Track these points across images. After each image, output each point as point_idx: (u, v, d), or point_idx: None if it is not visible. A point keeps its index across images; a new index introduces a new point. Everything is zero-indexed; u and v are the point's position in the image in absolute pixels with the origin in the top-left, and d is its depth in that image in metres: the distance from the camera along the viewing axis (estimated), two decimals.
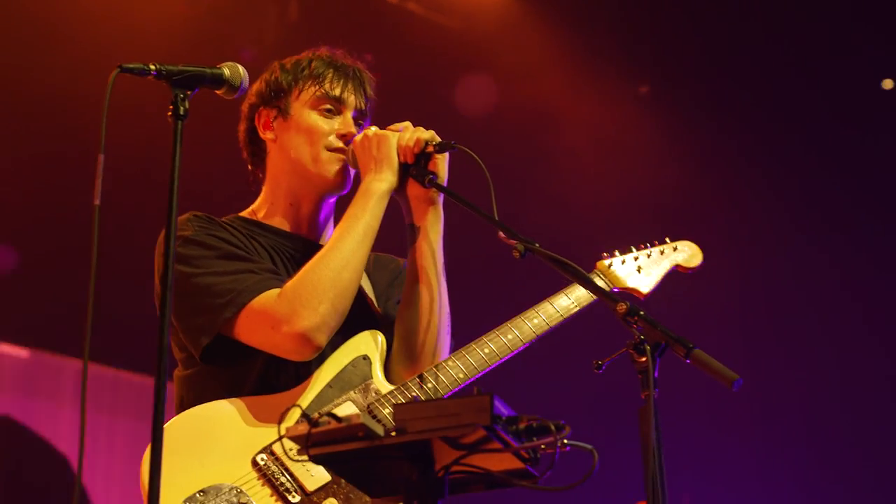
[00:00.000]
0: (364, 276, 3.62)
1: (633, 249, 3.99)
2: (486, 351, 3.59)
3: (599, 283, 3.84)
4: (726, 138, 8.67)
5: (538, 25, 8.45)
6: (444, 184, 3.61)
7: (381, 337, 3.59)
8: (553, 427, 2.61)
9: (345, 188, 3.70)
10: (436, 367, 3.55)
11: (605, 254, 3.97)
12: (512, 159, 8.20)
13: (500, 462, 2.72)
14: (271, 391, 3.41)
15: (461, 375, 3.53)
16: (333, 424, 2.63)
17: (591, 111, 8.74)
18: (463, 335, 3.72)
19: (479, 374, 3.57)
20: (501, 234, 3.37)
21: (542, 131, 8.55)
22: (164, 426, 3.14)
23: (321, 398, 3.42)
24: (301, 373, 3.44)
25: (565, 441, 2.63)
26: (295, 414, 2.90)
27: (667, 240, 4.08)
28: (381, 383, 3.51)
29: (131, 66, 2.92)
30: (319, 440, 2.63)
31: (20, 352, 8.83)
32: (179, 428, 3.33)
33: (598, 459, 2.66)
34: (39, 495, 8.67)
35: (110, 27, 7.34)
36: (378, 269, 3.85)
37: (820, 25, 8.34)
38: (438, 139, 3.63)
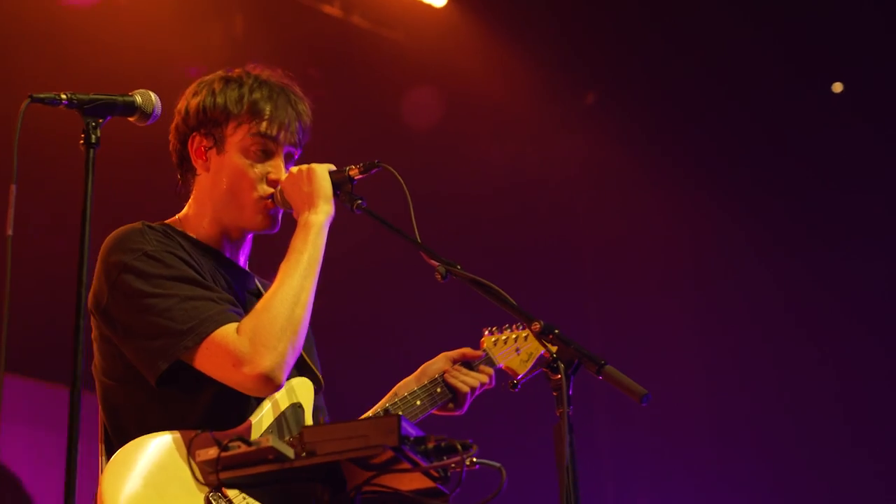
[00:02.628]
0: None
1: (512, 329, 4.12)
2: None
3: (487, 362, 4.02)
4: (669, 149, 8.72)
5: (482, 35, 8.48)
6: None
7: (310, 384, 3.56)
8: (460, 446, 2.66)
9: (274, 229, 3.66)
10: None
11: (486, 330, 4.12)
12: (455, 172, 8.27)
13: (411, 481, 2.77)
14: (216, 425, 3.28)
15: None
16: (243, 448, 2.66)
17: (536, 121, 8.79)
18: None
19: None
20: (424, 255, 3.40)
21: (487, 143, 8.59)
22: (127, 448, 3.14)
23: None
24: (245, 412, 3.40)
25: (474, 459, 2.68)
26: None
27: None
28: None
29: (42, 95, 2.91)
30: (230, 464, 2.66)
31: None
32: (143, 456, 3.19)
33: (507, 477, 2.71)
34: None
35: (54, 47, 7.30)
36: None
37: (764, 39, 8.41)
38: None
